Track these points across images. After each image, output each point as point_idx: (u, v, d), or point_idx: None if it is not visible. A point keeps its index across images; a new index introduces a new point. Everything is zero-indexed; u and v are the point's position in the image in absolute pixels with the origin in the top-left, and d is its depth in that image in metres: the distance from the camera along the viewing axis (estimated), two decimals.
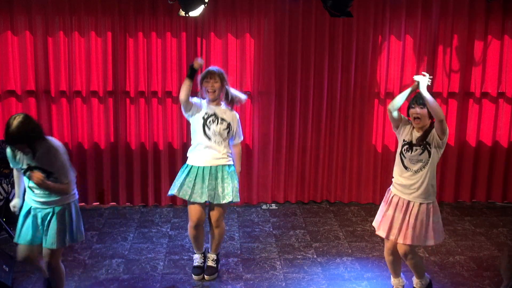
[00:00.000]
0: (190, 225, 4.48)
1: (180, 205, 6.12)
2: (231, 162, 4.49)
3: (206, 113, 4.38)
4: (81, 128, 5.90)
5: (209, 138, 4.36)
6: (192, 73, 4.30)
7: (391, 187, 4.10)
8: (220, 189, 4.39)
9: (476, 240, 5.37)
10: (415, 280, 4.24)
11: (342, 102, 6.05)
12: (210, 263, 4.64)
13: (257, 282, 4.53)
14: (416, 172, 3.93)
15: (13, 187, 5.21)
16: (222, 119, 4.39)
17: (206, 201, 4.41)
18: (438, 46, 5.97)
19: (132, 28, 5.72)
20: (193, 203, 4.39)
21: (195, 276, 4.57)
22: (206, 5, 4.90)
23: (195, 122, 4.39)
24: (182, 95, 4.30)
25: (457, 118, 6.09)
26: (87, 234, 5.37)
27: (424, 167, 3.92)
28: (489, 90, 6.14)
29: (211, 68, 4.45)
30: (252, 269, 4.74)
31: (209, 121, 4.37)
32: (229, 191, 4.40)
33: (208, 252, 4.71)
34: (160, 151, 5.99)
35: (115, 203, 6.12)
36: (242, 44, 5.86)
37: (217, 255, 4.68)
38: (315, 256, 4.99)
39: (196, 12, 4.91)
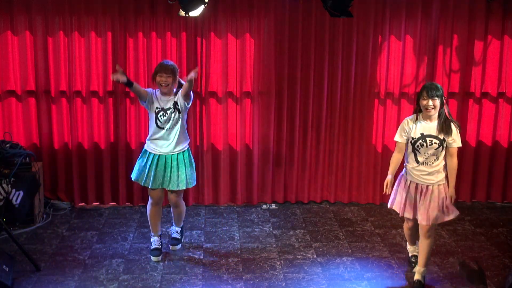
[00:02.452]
0: (150, 203, 4.91)
1: None
2: (184, 148, 4.80)
3: (157, 108, 4.71)
4: (81, 128, 5.90)
5: (161, 128, 4.71)
6: (128, 84, 4.55)
7: (404, 173, 4.39)
8: (175, 176, 4.74)
9: (476, 240, 5.37)
10: (418, 268, 4.45)
11: (342, 102, 6.05)
12: (174, 235, 5.12)
13: (257, 282, 4.53)
14: (430, 164, 4.22)
15: (13, 187, 5.22)
16: (174, 109, 4.68)
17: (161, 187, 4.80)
18: (438, 46, 5.97)
19: (132, 28, 5.71)
20: (152, 188, 4.78)
21: (154, 258, 4.87)
22: (206, 5, 4.91)
23: (150, 113, 4.75)
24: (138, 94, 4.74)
25: (457, 118, 6.08)
26: (87, 234, 5.38)
27: (437, 159, 4.22)
28: (489, 90, 6.14)
29: (164, 62, 4.73)
30: (252, 269, 4.74)
31: (160, 115, 4.70)
32: (182, 179, 4.76)
33: (173, 226, 5.16)
34: None
35: (115, 203, 6.12)
36: (242, 44, 5.86)
37: (181, 228, 5.17)
38: (315, 256, 4.99)
39: (196, 12, 4.91)
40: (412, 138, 4.24)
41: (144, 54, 5.77)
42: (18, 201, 5.30)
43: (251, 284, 4.49)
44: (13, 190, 5.24)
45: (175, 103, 4.69)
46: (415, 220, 4.41)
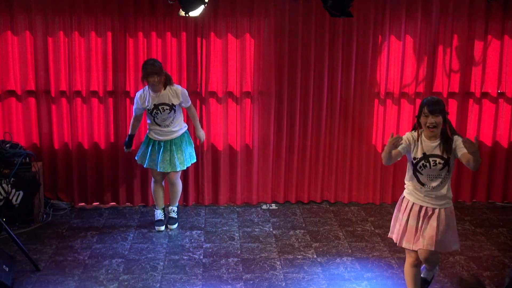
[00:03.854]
0: (153, 182, 5.52)
1: (180, 205, 6.12)
2: (182, 132, 5.37)
3: (149, 109, 5.23)
4: (81, 128, 5.90)
5: (159, 124, 5.27)
6: (129, 142, 5.56)
7: (405, 194, 3.96)
8: (174, 159, 5.28)
9: (476, 240, 5.37)
10: (426, 272, 4.25)
11: (342, 102, 6.05)
12: (171, 214, 5.59)
13: (257, 282, 4.53)
14: (435, 188, 3.81)
15: (13, 187, 5.22)
16: (163, 106, 5.20)
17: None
18: (438, 46, 5.97)
19: (132, 28, 5.71)
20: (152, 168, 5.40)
21: (158, 227, 5.48)
22: (206, 5, 4.91)
23: (147, 113, 5.32)
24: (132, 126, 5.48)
25: (457, 118, 6.09)
26: (87, 234, 5.38)
27: (442, 182, 3.81)
28: (489, 90, 6.14)
29: (149, 63, 5.15)
30: (252, 269, 4.74)
31: (154, 113, 5.23)
32: (182, 160, 5.33)
33: (170, 206, 5.62)
34: None
35: (115, 203, 6.12)
36: (242, 44, 5.86)
37: (177, 207, 5.61)
38: (315, 256, 4.99)
39: (196, 12, 4.91)
40: (414, 158, 3.82)
41: (144, 54, 5.77)
42: (18, 201, 5.31)
43: (251, 284, 4.49)
44: (13, 190, 5.26)
45: (172, 105, 5.21)
46: (416, 253, 3.91)
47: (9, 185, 5.18)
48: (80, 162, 5.96)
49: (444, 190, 3.82)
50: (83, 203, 6.09)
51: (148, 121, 5.34)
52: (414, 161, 3.82)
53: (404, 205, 3.94)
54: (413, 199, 3.88)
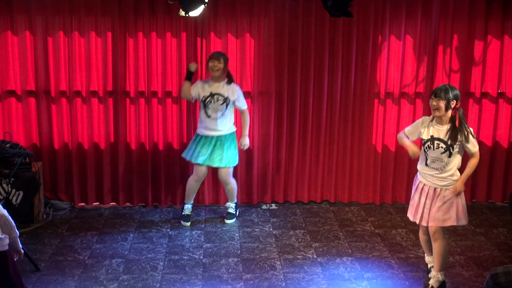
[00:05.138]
0: (194, 178, 5.57)
1: (180, 205, 6.12)
2: (230, 132, 5.48)
3: (203, 96, 5.38)
4: (81, 128, 5.90)
5: (210, 116, 5.38)
6: (189, 75, 5.36)
7: (418, 176, 4.35)
8: (218, 155, 5.41)
9: (476, 240, 5.37)
10: (433, 273, 4.35)
11: (342, 102, 6.05)
12: (229, 210, 5.74)
13: (257, 282, 4.53)
14: (437, 169, 4.17)
15: (13, 187, 5.22)
16: (218, 96, 5.35)
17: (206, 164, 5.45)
18: (438, 46, 5.97)
19: (132, 28, 5.71)
20: (198, 163, 5.46)
21: (184, 222, 5.60)
22: (206, 5, 4.91)
23: (200, 103, 5.46)
24: (183, 95, 5.47)
25: None
26: (87, 234, 5.38)
27: (445, 166, 4.15)
28: (489, 90, 6.14)
29: (216, 51, 5.47)
30: (252, 269, 4.74)
31: (207, 102, 5.38)
32: (225, 158, 5.43)
33: (228, 202, 5.78)
34: (160, 151, 5.99)
35: (115, 203, 6.12)
36: (242, 44, 5.86)
37: (235, 203, 5.75)
38: (315, 256, 4.99)
39: (196, 12, 4.91)
40: (422, 139, 4.23)
41: (144, 54, 5.77)
42: (18, 201, 5.30)
43: (251, 284, 4.49)
44: (13, 190, 5.25)
45: (226, 98, 5.37)
46: (426, 226, 4.33)
47: (9, 185, 5.17)
48: (80, 162, 5.96)
49: (446, 174, 4.16)
50: (83, 203, 6.09)
51: (200, 116, 5.48)
52: (422, 142, 4.24)
53: (416, 184, 4.36)
54: (422, 179, 4.29)
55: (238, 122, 5.73)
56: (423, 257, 4.89)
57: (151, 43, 5.76)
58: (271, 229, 5.58)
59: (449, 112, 4.10)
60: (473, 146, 4.14)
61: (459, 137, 4.08)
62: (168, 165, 6.02)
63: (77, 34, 5.69)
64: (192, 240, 5.28)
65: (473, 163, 4.20)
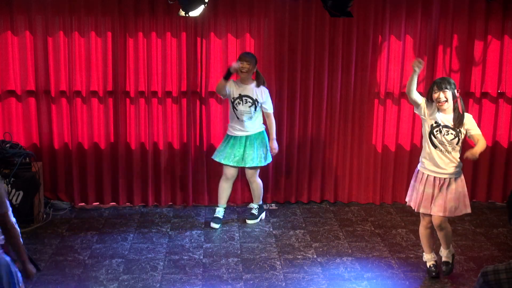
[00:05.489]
0: (223, 179, 5.59)
1: (180, 205, 6.13)
2: (259, 131, 5.48)
3: (233, 97, 5.40)
4: (81, 128, 5.90)
5: (238, 117, 5.41)
6: (228, 75, 5.28)
7: (419, 168, 4.39)
8: (246, 155, 5.42)
9: (476, 240, 5.37)
10: (444, 252, 4.54)
11: (342, 102, 6.05)
12: (252, 210, 5.73)
13: (257, 282, 4.53)
14: (445, 152, 4.25)
15: (13, 187, 5.22)
16: (247, 98, 5.36)
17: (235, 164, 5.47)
18: (438, 46, 5.97)
19: (132, 28, 5.71)
20: (226, 164, 5.49)
21: (213, 224, 5.57)
22: (206, 5, 4.91)
23: (229, 103, 5.46)
24: (217, 89, 5.43)
25: None
26: (87, 234, 5.38)
27: (453, 150, 4.26)
28: (489, 90, 6.14)
29: (245, 52, 5.51)
30: (252, 269, 4.74)
31: (236, 103, 5.39)
32: (253, 157, 5.43)
33: (252, 203, 5.79)
34: (160, 151, 5.99)
35: (115, 203, 6.12)
36: (242, 44, 5.86)
37: (259, 206, 5.74)
38: (315, 256, 4.99)
39: (196, 12, 4.91)
40: (431, 126, 4.26)
41: (144, 54, 5.77)
42: (18, 201, 5.31)
43: (251, 284, 4.49)
44: (13, 190, 5.25)
45: (255, 100, 5.37)
46: (431, 217, 4.39)
47: (9, 185, 5.18)
48: (80, 162, 5.96)
49: (454, 157, 4.26)
50: (83, 203, 6.09)
51: (229, 116, 5.54)
52: (433, 124, 4.25)
53: (420, 176, 4.39)
54: (428, 172, 4.33)
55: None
56: (423, 257, 4.89)
57: (151, 43, 5.76)
58: (271, 229, 5.58)
59: (453, 101, 4.18)
60: (476, 128, 4.26)
61: (463, 120, 4.20)
62: (168, 165, 6.02)
63: (77, 34, 5.69)
64: (192, 240, 5.28)
65: (483, 140, 4.21)
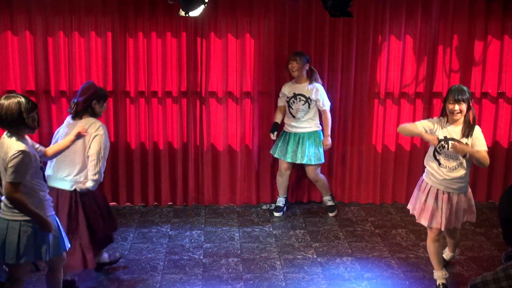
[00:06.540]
0: (278, 173, 5.88)
1: (180, 205, 6.13)
2: (315, 129, 5.66)
3: (287, 97, 5.64)
4: None
5: (293, 116, 5.64)
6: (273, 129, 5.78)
7: (424, 177, 4.29)
8: (301, 152, 5.61)
9: (476, 240, 5.37)
10: (449, 254, 4.63)
11: (342, 102, 6.05)
12: (328, 203, 5.95)
13: (257, 282, 4.53)
14: (452, 169, 4.13)
15: None
16: (300, 96, 5.56)
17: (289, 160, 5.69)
18: (438, 46, 5.97)
19: (132, 28, 5.71)
20: (279, 158, 5.75)
21: (276, 213, 5.89)
22: (206, 5, 4.90)
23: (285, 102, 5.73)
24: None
25: None
26: None
27: (459, 166, 4.13)
28: (489, 90, 6.14)
29: (296, 51, 5.62)
30: (252, 269, 4.74)
31: (291, 102, 5.63)
32: (309, 154, 5.60)
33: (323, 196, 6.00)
34: (160, 151, 5.99)
35: (115, 203, 6.12)
36: (242, 44, 5.86)
37: (331, 195, 5.96)
38: (315, 256, 4.99)
39: (196, 12, 4.90)
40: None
41: (144, 54, 5.77)
42: None
43: (251, 284, 4.49)
44: None
45: (308, 98, 5.54)
46: (437, 230, 4.24)
47: None
48: None
49: (460, 174, 4.13)
50: None
51: (286, 114, 5.72)
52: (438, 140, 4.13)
53: (423, 185, 4.28)
54: (431, 182, 4.21)
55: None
56: (423, 257, 4.90)
57: (151, 43, 5.76)
58: (271, 229, 5.58)
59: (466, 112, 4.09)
60: (481, 144, 4.08)
61: (472, 133, 4.07)
62: (168, 165, 6.02)
63: (77, 34, 5.69)
64: (192, 240, 5.28)
65: (485, 155, 4.05)
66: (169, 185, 6.09)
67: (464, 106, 4.05)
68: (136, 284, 4.45)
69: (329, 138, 5.70)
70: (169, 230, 5.52)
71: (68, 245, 3.77)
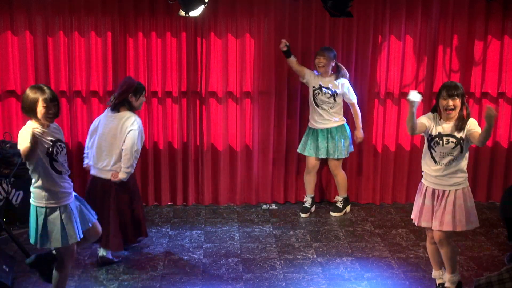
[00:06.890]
0: (305, 170, 5.88)
1: (180, 205, 6.13)
2: (342, 123, 5.68)
3: (313, 87, 5.61)
4: (81, 128, 5.90)
5: (318, 106, 5.61)
6: (286, 54, 5.58)
7: (422, 180, 4.21)
8: (327, 147, 5.64)
9: (476, 240, 5.37)
10: (447, 276, 4.25)
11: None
12: (338, 204, 5.94)
13: (257, 282, 4.53)
14: (447, 165, 4.04)
15: (13, 187, 5.22)
16: (326, 89, 5.55)
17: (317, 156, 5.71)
18: (438, 46, 5.97)
19: (132, 28, 5.72)
20: (307, 155, 5.77)
21: (302, 214, 5.86)
22: (206, 5, 4.90)
23: (309, 93, 5.66)
24: (293, 68, 5.69)
25: None
26: None
27: (454, 161, 4.03)
28: (489, 90, 6.14)
29: (323, 47, 5.62)
30: (252, 269, 4.74)
31: (316, 93, 5.60)
32: (336, 149, 5.63)
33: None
34: (160, 151, 5.99)
35: None
36: (242, 44, 5.86)
37: (344, 198, 5.90)
38: (315, 256, 4.99)
39: (196, 12, 4.91)
40: (429, 135, 4.05)
41: (144, 54, 5.77)
42: (18, 201, 5.31)
43: (251, 284, 4.49)
44: (13, 190, 5.25)
45: (334, 92, 5.55)
46: (431, 232, 4.18)
47: (9, 185, 5.18)
48: (80, 162, 5.92)
49: (455, 169, 4.04)
50: None
51: (310, 108, 5.71)
52: (429, 138, 4.07)
53: (421, 188, 4.21)
54: (427, 183, 4.14)
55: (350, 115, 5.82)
56: (423, 257, 4.90)
57: (151, 43, 5.76)
58: (271, 229, 5.58)
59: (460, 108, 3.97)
60: (479, 128, 3.97)
61: (466, 125, 3.96)
62: (168, 164, 6.02)
63: (77, 34, 5.69)
64: (192, 240, 5.28)
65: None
66: (169, 185, 6.09)
67: (458, 102, 3.93)
68: (136, 284, 4.45)
69: (361, 130, 5.74)
70: (169, 230, 5.52)
71: (80, 235, 3.84)
